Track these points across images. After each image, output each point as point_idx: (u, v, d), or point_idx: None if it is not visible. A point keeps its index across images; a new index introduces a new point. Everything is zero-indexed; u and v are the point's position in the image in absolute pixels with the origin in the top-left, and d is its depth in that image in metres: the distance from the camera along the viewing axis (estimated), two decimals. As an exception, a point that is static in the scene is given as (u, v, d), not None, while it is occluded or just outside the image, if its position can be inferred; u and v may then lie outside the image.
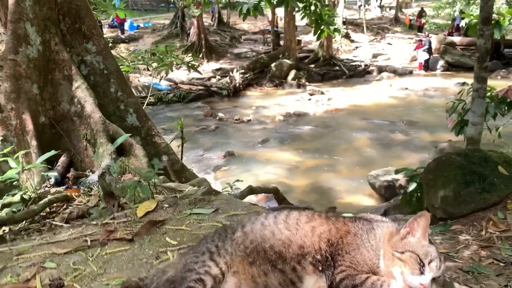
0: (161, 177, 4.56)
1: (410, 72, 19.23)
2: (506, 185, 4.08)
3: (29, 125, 4.70)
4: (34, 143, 4.64)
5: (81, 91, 4.94)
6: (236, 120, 13.42)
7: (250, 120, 13.44)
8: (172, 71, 6.92)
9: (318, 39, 7.22)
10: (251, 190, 3.46)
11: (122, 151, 4.82)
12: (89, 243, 2.15)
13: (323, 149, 11.13)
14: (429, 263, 1.82)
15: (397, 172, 7.00)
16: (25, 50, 4.80)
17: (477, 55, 5.34)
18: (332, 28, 6.11)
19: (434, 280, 1.90)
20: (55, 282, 1.78)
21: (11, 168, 3.77)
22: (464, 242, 3.75)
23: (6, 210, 3.69)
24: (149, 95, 9.54)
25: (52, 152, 3.95)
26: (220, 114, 14.00)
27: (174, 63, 6.87)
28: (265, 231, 1.78)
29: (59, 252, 2.06)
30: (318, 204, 8.44)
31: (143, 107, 6.49)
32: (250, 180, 9.36)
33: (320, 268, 1.77)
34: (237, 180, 3.93)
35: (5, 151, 3.88)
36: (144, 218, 2.43)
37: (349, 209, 7.99)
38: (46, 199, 3.46)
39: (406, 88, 16.37)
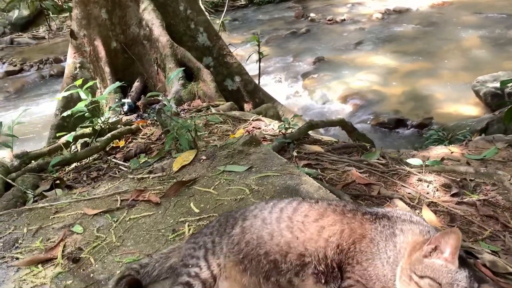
0: (228, 103, 4.43)
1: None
2: None
3: (102, 51, 4.75)
4: (107, 69, 4.73)
5: (148, 13, 4.81)
6: (328, 20, 12.52)
7: (344, 20, 12.45)
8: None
9: None
10: (310, 126, 3.17)
11: (191, 76, 4.73)
12: (119, 203, 2.14)
13: (424, 51, 10.03)
14: None
15: (503, 83, 6.10)
16: (90, -27, 4.70)
17: None
18: None
19: None
20: (73, 255, 1.80)
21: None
22: None
23: (80, 141, 3.87)
24: None
25: (117, 84, 3.96)
26: (312, 15, 13.15)
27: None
28: (264, 231, 1.56)
29: (90, 213, 2.08)
30: (413, 115, 7.87)
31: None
32: (340, 88, 8.90)
33: (323, 280, 1.53)
34: (295, 116, 3.64)
35: (76, 83, 3.96)
36: (178, 173, 2.35)
37: (448, 119, 7.30)
38: (109, 135, 3.53)
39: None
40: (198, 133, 2.76)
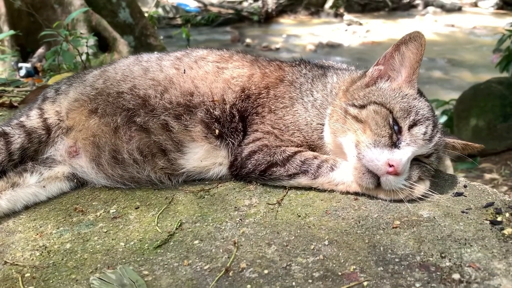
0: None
1: (459, 9, 17.57)
2: (553, 122, 3.53)
3: (2, 8, 4.12)
4: (6, 28, 4.09)
5: (63, -26, 4.29)
6: (263, 47, 12.61)
7: (278, 48, 12.61)
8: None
9: None
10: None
11: (106, 47, 4.22)
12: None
13: (352, 82, 10.26)
14: (410, 127, 1.12)
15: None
16: None
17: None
18: None
19: (416, 162, 1.16)
20: None
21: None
22: (491, 182, 3.29)
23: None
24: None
25: (11, 32, 3.40)
26: (248, 40, 13.20)
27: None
28: (136, 67, 1.14)
29: None
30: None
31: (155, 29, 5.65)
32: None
33: (217, 132, 1.12)
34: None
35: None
36: (54, 88, 1.85)
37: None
38: (-12, 80, 2.92)
39: (453, 25, 14.99)
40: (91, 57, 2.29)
